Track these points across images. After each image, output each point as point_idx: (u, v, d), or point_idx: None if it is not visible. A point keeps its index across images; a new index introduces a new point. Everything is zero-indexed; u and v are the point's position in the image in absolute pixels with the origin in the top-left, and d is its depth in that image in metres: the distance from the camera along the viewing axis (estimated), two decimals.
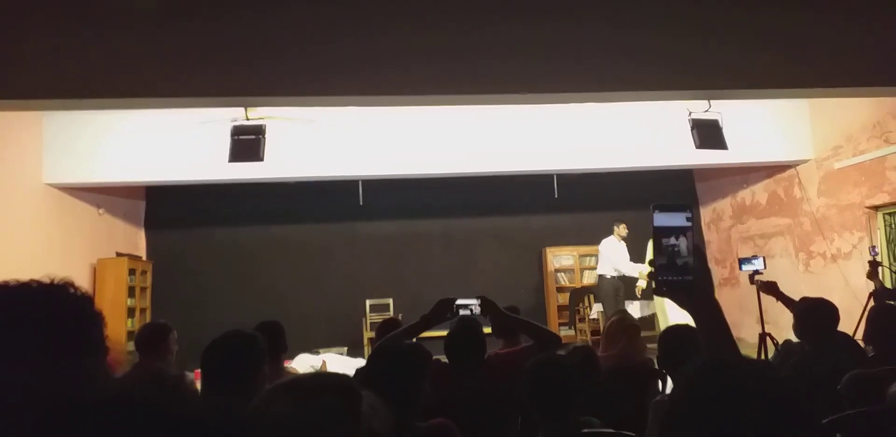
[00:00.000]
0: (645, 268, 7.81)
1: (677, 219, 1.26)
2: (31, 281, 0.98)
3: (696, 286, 1.23)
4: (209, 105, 4.79)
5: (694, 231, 1.27)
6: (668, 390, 3.09)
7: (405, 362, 2.11)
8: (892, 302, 5.05)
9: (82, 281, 7.22)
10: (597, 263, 8.41)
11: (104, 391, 0.45)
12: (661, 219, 1.26)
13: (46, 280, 0.99)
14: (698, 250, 1.26)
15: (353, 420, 0.50)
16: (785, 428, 0.91)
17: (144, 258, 8.89)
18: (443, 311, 2.71)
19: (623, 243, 8.01)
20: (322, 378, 0.56)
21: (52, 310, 0.95)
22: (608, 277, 7.94)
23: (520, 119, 6.94)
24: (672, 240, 1.25)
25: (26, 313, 0.94)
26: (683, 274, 1.23)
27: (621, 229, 8.02)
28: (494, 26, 4.02)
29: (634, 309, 7.68)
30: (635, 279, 7.96)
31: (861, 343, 3.28)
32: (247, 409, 0.44)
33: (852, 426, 2.17)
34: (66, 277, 1.01)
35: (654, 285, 1.26)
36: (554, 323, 9.19)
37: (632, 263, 7.96)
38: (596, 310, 8.45)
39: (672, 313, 7.26)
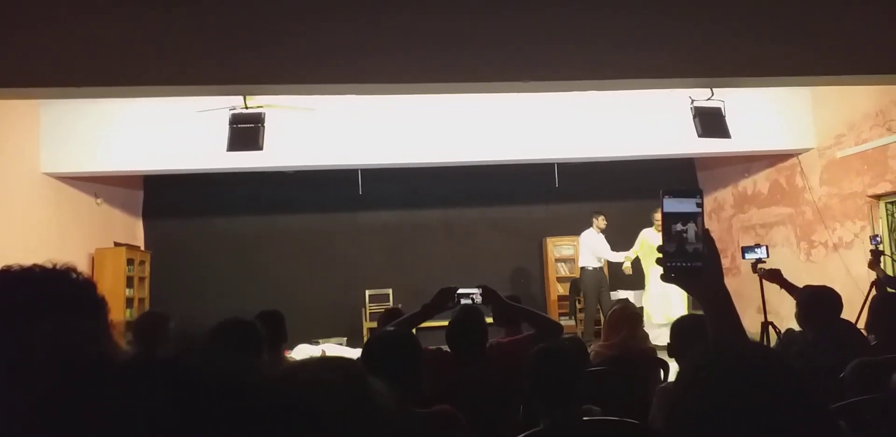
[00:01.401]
0: (631, 254, 7.90)
1: (687, 205, 1.24)
2: (34, 266, 0.97)
3: (705, 273, 1.21)
4: (208, 93, 4.75)
5: (703, 217, 1.25)
6: (673, 377, 3.08)
7: (399, 349, 2.10)
8: (894, 291, 5.04)
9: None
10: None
11: (129, 354, 0.44)
12: (671, 205, 1.24)
13: (49, 265, 0.98)
14: (708, 235, 1.23)
15: (365, 393, 0.49)
16: (794, 411, 0.89)
17: (143, 248, 8.86)
18: (444, 300, 2.69)
19: (602, 235, 8.13)
20: (330, 358, 0.54)
21: (55, 294, 0.94)
22: (590, 269, 8.04)
23: (521, 108, 6.90)
24: (681, 226, 1.23)
25: (30, 297, 0.92)
26: (692, 260, 1.21)
27: (600, 221, 8.14)
28: (495, 13, 3.98)
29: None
30: (620, 265, 8.07)
31: (863, 332, 3.27)
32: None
33: (856, 414, 2.17)
34: (69, 262, 0.99)
35: (662, 271, 1.23)
36: (554, 313, 9.18)
37: (613, 251, 8.08)
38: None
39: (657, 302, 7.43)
